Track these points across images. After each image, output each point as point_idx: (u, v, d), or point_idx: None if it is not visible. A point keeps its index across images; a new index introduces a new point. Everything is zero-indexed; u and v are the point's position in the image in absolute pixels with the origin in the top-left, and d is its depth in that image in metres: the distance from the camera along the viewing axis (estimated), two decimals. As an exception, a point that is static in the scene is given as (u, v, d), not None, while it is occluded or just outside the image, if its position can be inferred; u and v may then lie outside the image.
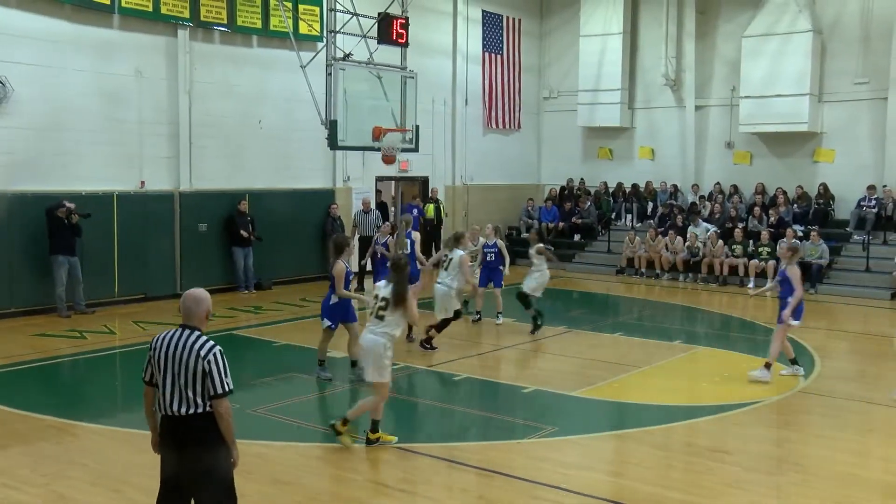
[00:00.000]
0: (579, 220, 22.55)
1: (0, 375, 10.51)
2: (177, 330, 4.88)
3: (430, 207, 20.79)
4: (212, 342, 4.80)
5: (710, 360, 11.91)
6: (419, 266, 12.84)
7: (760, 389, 9.99)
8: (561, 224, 22.82)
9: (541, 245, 13.33)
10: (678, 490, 6.95)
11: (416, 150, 15.81)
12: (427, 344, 11.72)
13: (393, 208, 20.79)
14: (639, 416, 9.23)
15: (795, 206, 20.30)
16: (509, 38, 23.76)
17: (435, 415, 9.36)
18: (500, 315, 13.81)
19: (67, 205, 13.78)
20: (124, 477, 7.02)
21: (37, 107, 14.22)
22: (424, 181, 21.61)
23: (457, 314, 11.91)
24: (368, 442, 7.73)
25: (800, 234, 19.10)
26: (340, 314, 10.03)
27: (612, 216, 22.73)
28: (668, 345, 12.66)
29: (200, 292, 4.97)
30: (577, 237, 22.58)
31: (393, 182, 21.65)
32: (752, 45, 20.57)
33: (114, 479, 6.95)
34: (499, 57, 23.45)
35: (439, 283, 11.83)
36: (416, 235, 13.22)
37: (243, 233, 16.57)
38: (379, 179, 20.52)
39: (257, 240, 16.86)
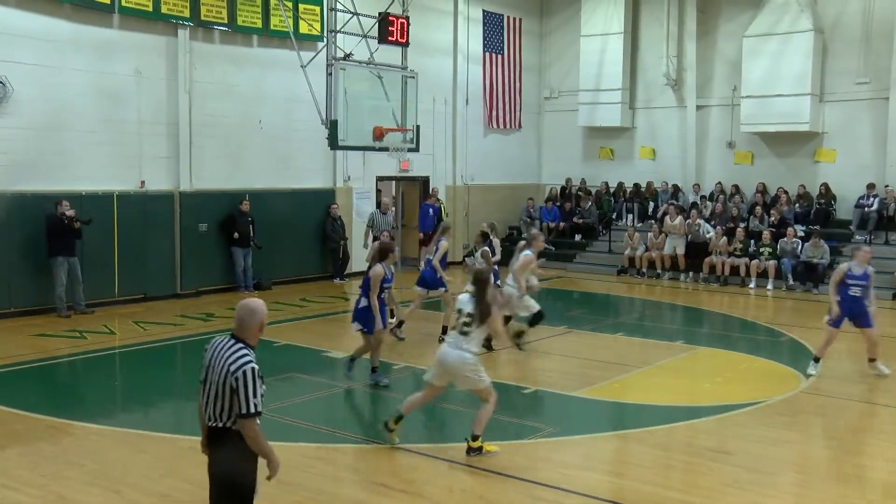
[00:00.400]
0: (580, 220, 22.55)
1: (-1, 375, 10.53)
2: (226, 337, 4.73)
3: (431, 208, 20.78)
4: (247, 359, 4.56)
5: (712, 360, 11.90)
6: (438, 275, 12.60)
7: (761, 390, 9.99)
8: (562, 224, 22.81)
9: (485, 248, 13.20)
10: (678, 490, 6.95)
11: (416, 149, 15.82)
12: (519, 344, 11.71)
13: (393, 209, 20.79)
14: (639, 417, 9.22)
15: (797, 205, 20.29)
16: (510, 38, 23.76)
17: (435, 415, 9.35)
18: None
19: (67, 213, 13.76)
20: (123, 477, 7.02)
21: (36, 106, 14.22)
22: (425, 181, 21.60)
23: (537, 316, 11.93)
24: (471, 451, 7.48)
25: (801, 234, 19.09)
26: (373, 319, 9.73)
27: (613, 216, 22.72)
28: (669, 345, 12.65)
29: (256, 304, 4.74)
30: (577, 237, 22.57)
31: (393, 182, 21.66)
32: (753, 44, 20.57)
33: (113, 480, 6.95)
34: (499, 56, 23.44)
35: (509, 285, 11.72)
36: (445, 245, 12.85)
37: (236, 235, 16.54)
38: (380, 179, 20.52)
39: (257, 248, 16.87)
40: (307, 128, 16.63)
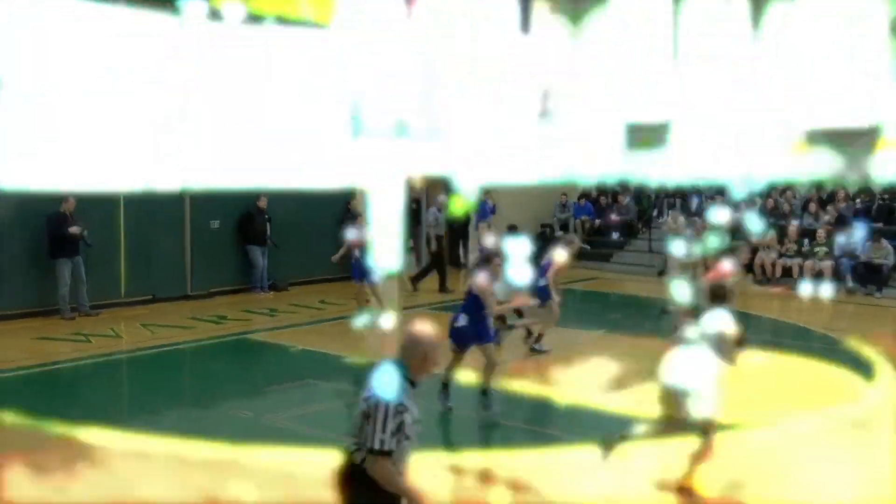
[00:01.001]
0: (618, 217, 22.39)
1: None
2: (392, 359, 4.52)
3: (457, 204, 20.77)
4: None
5: (761, 368, 11.75)
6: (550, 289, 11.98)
7: (816, 401, 9.86)
8: (597, 221, 22.66)
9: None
10: (728, 508, 6.88)
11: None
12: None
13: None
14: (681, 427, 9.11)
15: (857, 201, 19.97)
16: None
17: (463, 425, 9.33)
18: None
19: (72, 230, 13.91)
20: (130, 490, 7.06)
21: (34, 99, 14.36)
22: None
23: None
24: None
25: (861, 232, 18.77)
26: (483, 331, 9.22)
27: (654, 213, 22.54)
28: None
29: (421, 332, 4.45)
30: (615, 235, 22.40)
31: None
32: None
33: (120, 492, 7.00)
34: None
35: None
36: (561, 254, 12.26)
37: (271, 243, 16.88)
38: (402, 173, 20.50)
39: (274, 246, 16.98)
40: (326, 118, 16.65)
